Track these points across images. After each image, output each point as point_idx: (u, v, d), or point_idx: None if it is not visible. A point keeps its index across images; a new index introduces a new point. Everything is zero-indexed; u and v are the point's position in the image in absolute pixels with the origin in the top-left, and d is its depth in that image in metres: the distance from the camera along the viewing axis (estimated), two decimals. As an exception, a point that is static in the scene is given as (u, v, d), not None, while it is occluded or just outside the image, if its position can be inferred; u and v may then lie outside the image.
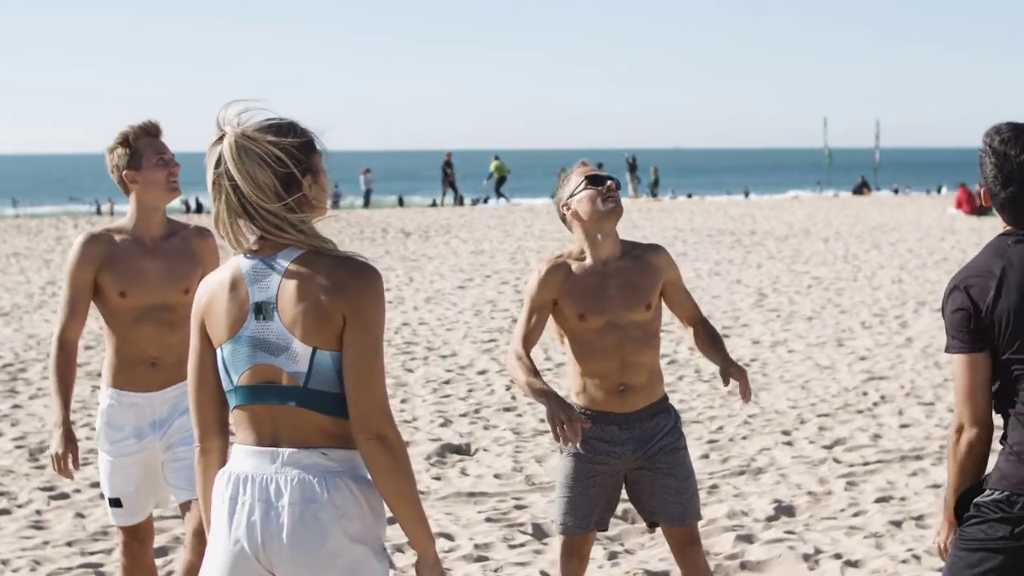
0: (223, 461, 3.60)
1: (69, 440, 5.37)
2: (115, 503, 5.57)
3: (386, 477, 3.43)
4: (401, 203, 51.20)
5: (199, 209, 44.28)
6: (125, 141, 5.42)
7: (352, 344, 3.43)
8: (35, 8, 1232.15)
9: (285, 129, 3.50)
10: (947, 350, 4.04)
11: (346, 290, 3.43)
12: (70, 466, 5.38)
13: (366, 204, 49.07)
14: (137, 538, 5.64)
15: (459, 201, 47.11)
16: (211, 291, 3.57)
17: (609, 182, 5.43)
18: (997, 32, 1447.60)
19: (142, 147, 5.41)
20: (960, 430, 4.00)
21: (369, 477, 3.48)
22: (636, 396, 5.39)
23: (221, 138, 3.48)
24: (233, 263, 3.55)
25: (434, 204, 47.92)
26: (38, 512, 8.31)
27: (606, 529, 5.62)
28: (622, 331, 5.34)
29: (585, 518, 5.42)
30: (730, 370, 5.42)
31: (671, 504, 5.43)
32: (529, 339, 5.34)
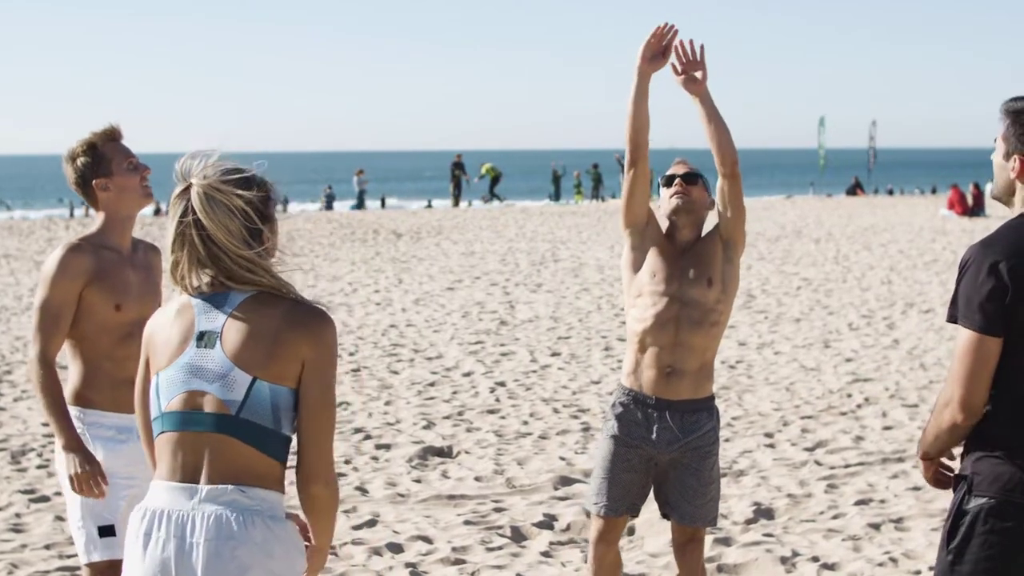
0: None
1: (88, 458, 5.02)
2: (108, 531, 5.13)
3: (325, 517, 3.64)
4: (383, 204, 51.04)
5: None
6: (91, 148, 5.14)
7: (313, 390, 3.50)
8: (28, 8, 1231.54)
9: (248, 182, 3.54)
10: (962, 323, 3.88)
11: (309, 328, 3.49)
12: (101, 484, 5.03)
13: (359, 206, 49.03)
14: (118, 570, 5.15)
15: (456, 202, 47.06)
16: (158, 322, 3.60)
17: (678, 180, 5.67)
18: (993, 32, 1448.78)
19: (110, 153, 5.15)
20: (949, 407, 3.91)
21: (282, 517, 3.55)
22: (681, 383, 5.50)
23: (187, 188, 3.51)
24: (183, 298, 3.58)
25: (429, 205, 47.89)
26: (17, 515, 8.30)
27: (637, 515, 5.75)
28: (681, 306, 5.48)
29: (617, 501, 5.57)
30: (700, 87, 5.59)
31: (686, 503, 5.56)
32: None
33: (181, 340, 3.51)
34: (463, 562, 7.24)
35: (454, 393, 12.03)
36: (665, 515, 5.68)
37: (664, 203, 5.63)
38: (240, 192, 3.49)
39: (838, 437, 10.07)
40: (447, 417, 11.01)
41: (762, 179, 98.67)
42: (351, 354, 14.16)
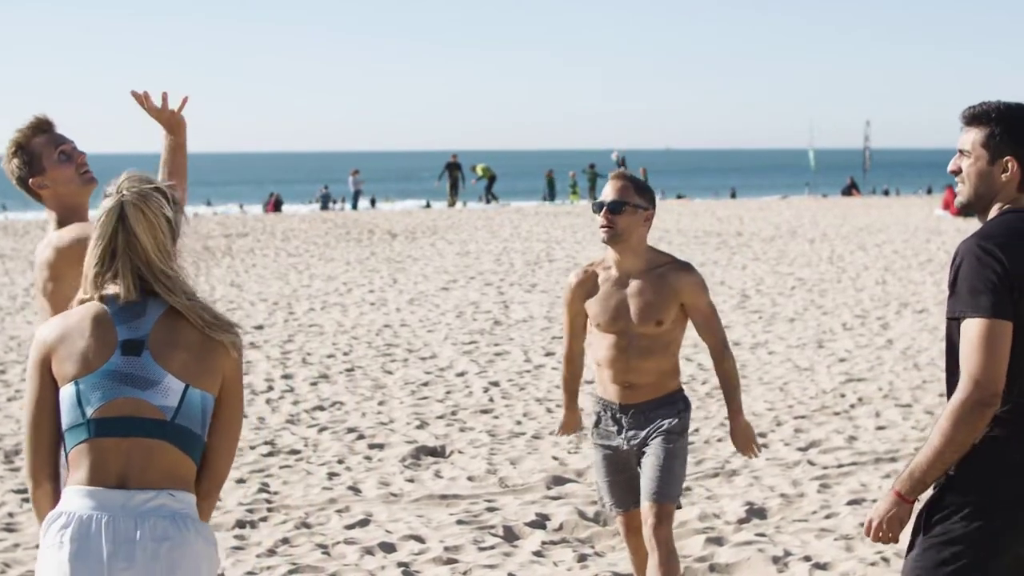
0: (55, 502, 3.59)
1: None
2: None
3: (207, 518, 3.70)
4: (373, 205, 50.91)
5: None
6: (19, 148, 4.90)
7: (232, 400, 3.65)
8: (27, 8, 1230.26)
9: (169, 198, 3.64)
10: (970, 313, 3.82)
11: (226, 342, 3.60)
12: None
13: (354, 206, 49.02)
14: None
15: (452, 203, 47.04)
16: (61, 332, 3.59)
17: (604, 210, 5.77)
18: (988, 32, 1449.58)
19: (38, 147, 4.89)
20: (968, 401, 3.79)
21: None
22: (641, 391, 5.84)
23: (118, 202, 3.58)
24: (91, 306, 3.59)
25: (428, 206, 47.87)
26: (10, 515, 8.30)
27: None
28: (630, 339, 5.79)
29: (621, 498, 5.96)
30: (734, 432, 5.90)
31: (649, 485, 5.73)
32: (572, 348, 6.07)
33: (100, 348, 3.53)
34: (455, 561, 7.24)
35: (448, 393, 12.03)
36: (636, 502, 5.90)
37: (599, 228, 5.88)
38: (166, 206, 3.60)
39: (831, 437, 10.08)
40: (440, 417, 11.01)
41: (757, 179, 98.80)
42: (345, 354, 14.16)
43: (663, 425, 5.77)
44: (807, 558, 7.13)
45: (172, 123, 5.26)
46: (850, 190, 55.13)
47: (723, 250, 26.04)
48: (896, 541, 4.09)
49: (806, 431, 10.32)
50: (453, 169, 47.50)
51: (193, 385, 3.54)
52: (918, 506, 4.09)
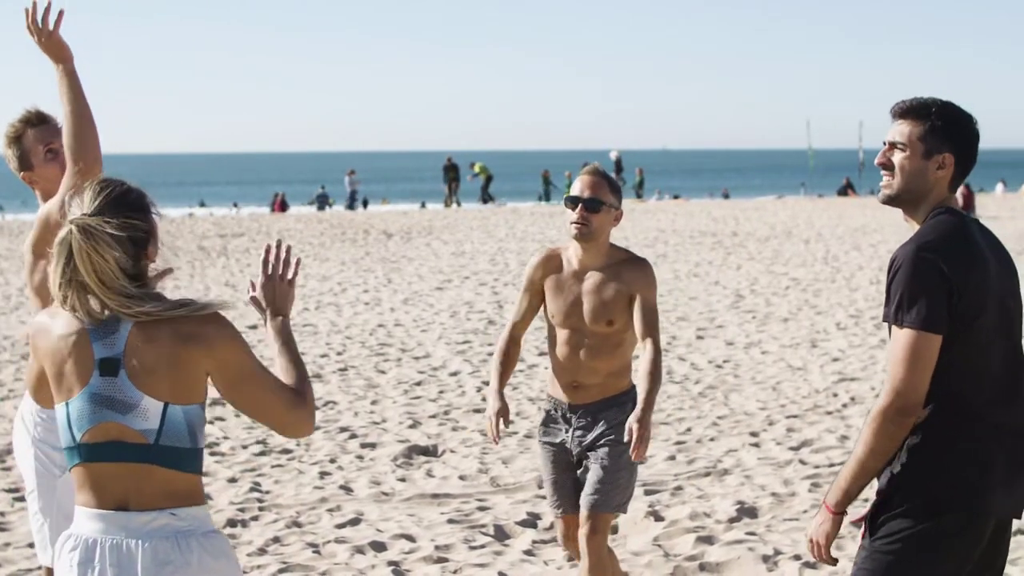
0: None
1: None
2: None
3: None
4: (365, 205, 50.85)
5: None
6: (12, 142, 5.00)
7: (232, 389, 3.53)
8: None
9: (123, 204, 3.51)
10: (901, 322, 3.82)
11: (199, 341, 3.47)
12: None
13: (350, 206, 48.98)
14: None
15: (448, 203, 47.03)
16: (52, 343, 3.54)
17: (580, 207, 5.71)
18: (983, 32, 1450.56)
19: (28, 143, 4.99)
20: (888, 412, 3.82)
21: (212, 529, 3.55)
22: (589, 391, 5.77)
23: (67, 234, 3.46)
24: (70, 319, 3.52)
25: (423, 206, 47.87)
26: (2, 514, 8.30)
27: None
28: (581, 337, 5.74)
29: (562, 499, 5.87)
30: (632, 423, 5.52)
31: (590, 492, 5.72)
32: (517, 329, 5.93)
33: (80, 366, 3.48)
34: (446, 560, 7.25)
35: (440, 392, 12.03)
36: (576, 507, 5.85)
37: (567, 224, 5.79)
38: (119, 220, 3.45)
39: (823, 436, 10.08)
40: (433, 416, 11.01)
41: (753, 180, 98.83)
42: (339, 354, 14.16)
43: (613, 430, 5.70)
44: (797, 556, 7.13)
45: (52, 46, 4.82)
46: (846, 190, 55.14)
47: (718, 250, 26.04)
48: (832, 561, 4.09)
49: (798, 430, 10.32)
50: (450, 171, 47.60)
51: (173, 402, 3.46)
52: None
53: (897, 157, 4.05)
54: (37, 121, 5.00)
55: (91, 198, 3.49)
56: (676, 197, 57.36)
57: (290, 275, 3.75)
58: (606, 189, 5.76)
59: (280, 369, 3.64)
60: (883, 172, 4.09)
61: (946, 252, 3.87)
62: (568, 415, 5.82)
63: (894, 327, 3.85)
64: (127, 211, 3.50)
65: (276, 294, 3.74)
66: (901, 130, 4.04)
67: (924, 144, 4.02)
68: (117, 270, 3.43)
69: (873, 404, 3.88)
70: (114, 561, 3.45)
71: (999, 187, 55.77)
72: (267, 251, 3.75)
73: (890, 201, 4.10)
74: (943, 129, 4.01)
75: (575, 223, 5.71)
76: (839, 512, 4.03)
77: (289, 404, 3.56)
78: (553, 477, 5.89)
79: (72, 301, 3.47)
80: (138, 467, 3.46)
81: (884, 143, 4.10)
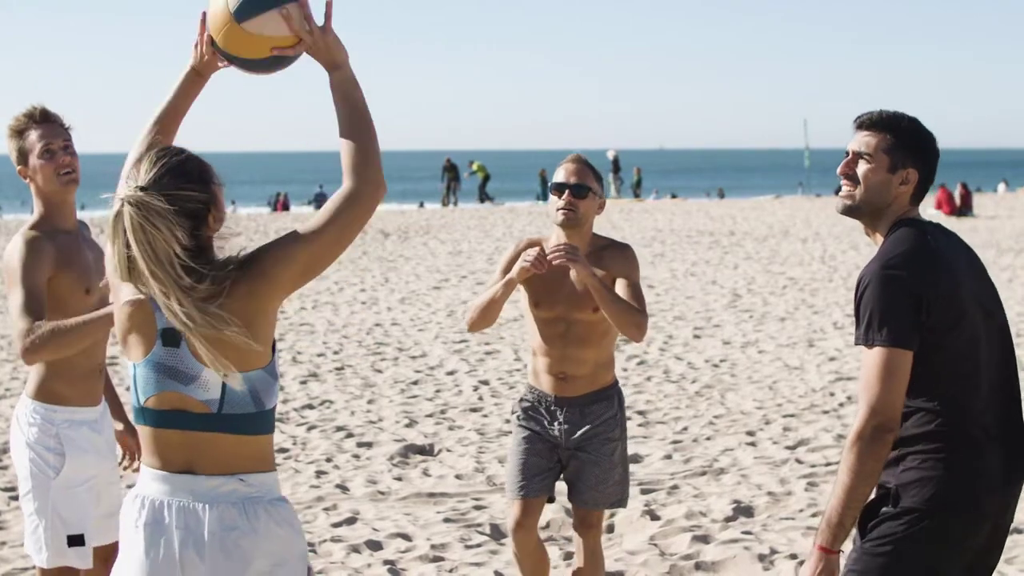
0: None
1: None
2: (77, 541, 4.94)
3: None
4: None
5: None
6: (15, 135, 4.96)
7: (313, 255, 3.47)
8: (25, 9, 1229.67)
9: (183, 172, 3.43)
10: (873, 342, 3.80)
11: (246, 290, 3.40)
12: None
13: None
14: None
15: (445, 202, 47.05)
16: (119, 306, 3.50)
17: (567, 192, 5.67)
18: (980, 32, 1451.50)
19: (29, 139, 4.94)
20: (866, 432, 3.79)
21: (279, 497, 3.50)
22: (576, 384, 5.74)
23: (119, 208, 3.37)
24: (131, 288, 3.45)
25: (421, 205, 47.91)
26: (-2, 513, 8.29)
27: (552, 501, 5.91)
28: (568, 325, 5.71)
29: (521, 483, 5.74)
30: (585, 267, 5.50)
31: (586, 488, 5.73)
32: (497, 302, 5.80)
33: (144, 335, 3.45)
34: (441, 559, 7.24)
35: (437, 392, 12.03)
36: (570, 499, 5.85)
37: (552, 211, 5.75)
38: (167, 195, 3.36)
39: (820, 435, 10.08)
40: (430, 415, 11.01)
41: (751, 179, 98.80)
42: (335, 353, 14.16)
43: (602, 426, 5.72)
44: (793, 556, 7.13)
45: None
46: (844, 190, 55.09)
47: (715, 249, 26.05)
48: None
49: (795, 429, 10.32)
50: (449, 171, 47.68)
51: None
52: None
53: (861, 168, 4.04)
54: (41, 118, 4.97)
55: (146, 170, 3.40)
56: (674, 196, 57.35)
57: (319, 24, 3.63)
58: (591, 176, 5.75)
59: (342, 120, 3.64)
60: (844, 182, 4.08)
61: (911, 267, 3.86)
62: (553, 408, 5.76)
63: (865, 348, 3.84)
64: (183, 182, 3.41)
65: (318, 49, 3.65)
66: (867, 141, 4.04)
67: (890, 158, 4.02)
68: (174, 245, 3.33)
69: (848, 430, 3.84)
70: (181, 524, 3.41)
71: (1001, 187, 55.82)
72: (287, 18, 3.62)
73: (850, 211, 4.09)
74: (910, 145, 4.03)
75: (562, 209, 5.68)
76: (837, 552, 3.93)
77: (347, 194, 3.52)
78: (523, 459, 5.75)
79: (132, 277, 3.39)
80: (203, 435, 3.43)
81: (847, 152, 4.09)
